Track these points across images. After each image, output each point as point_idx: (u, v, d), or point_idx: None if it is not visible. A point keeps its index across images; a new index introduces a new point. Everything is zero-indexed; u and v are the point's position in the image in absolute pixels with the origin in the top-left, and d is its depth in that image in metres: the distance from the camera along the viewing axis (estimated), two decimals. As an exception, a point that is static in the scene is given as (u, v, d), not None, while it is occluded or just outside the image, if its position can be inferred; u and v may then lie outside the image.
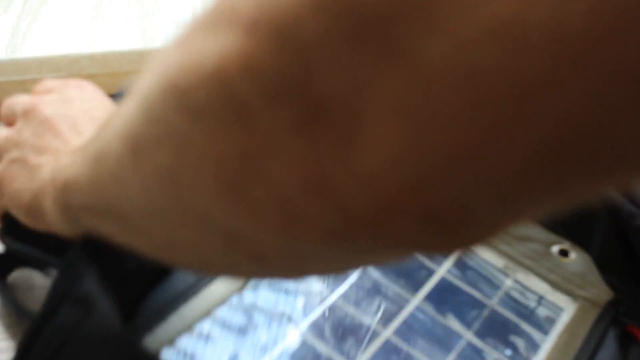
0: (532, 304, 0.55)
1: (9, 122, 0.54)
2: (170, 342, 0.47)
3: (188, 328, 0.48)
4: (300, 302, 0.51)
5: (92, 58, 0.67)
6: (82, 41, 0.71)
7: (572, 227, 0.61)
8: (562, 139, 0.21)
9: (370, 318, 0.51)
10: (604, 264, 0.58)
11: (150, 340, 0.46)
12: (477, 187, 0.23)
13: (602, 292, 0.56)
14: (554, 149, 0.21)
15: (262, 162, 0.27)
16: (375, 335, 0.50)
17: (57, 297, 0.43)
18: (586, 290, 0.56)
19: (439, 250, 0.26)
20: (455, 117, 0.21)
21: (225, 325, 0.48)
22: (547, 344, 0.52)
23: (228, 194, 0.29)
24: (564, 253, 0.59)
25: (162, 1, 0.80)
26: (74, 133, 0.49)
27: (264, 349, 0.47)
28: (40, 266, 0.54)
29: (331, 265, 0.33)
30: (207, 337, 0.47)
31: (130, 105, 0.34)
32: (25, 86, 0.64)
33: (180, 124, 0.30)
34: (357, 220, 0.26)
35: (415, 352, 0.49)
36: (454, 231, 0.25)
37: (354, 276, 0.54)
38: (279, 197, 0.27)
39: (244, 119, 0.26)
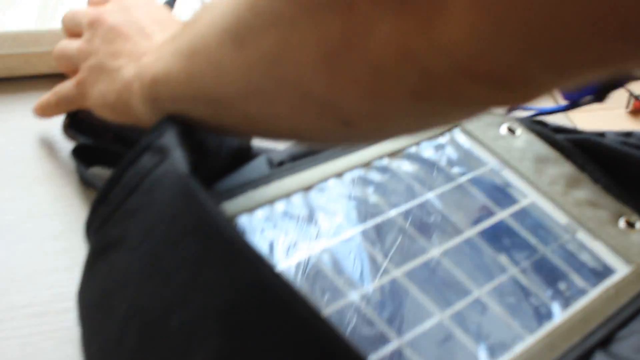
0: (585, 258, 0.56)
1: (74, 34, 0.61)
2: (231, 217, 0.51)
3: (251, 209, 0.52)
4: (358, 208, 0.55)
5: None
6: None
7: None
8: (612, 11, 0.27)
9: (423, 237, 0.54)
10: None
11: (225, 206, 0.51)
12: (537, 55, 0.30)
13: (659, 263, 0.57)
14: (603, 21, 0.27)
15: (360, 38, 0.34)
16: (424, 251, 0.53)
17: (139, 149, 0.48)
18: (643, 259, 0.57)
19: (503, 104, 0.36)
20: None
21: (287, 214, 0.53)
22: (591, 295, 0.53)
23: (327, 68, 0.37)
24: (630, 224, 0.60)
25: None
26: (142, 36, 0.56)
27: (319, 239, 0.51)
28: (112, 162, 0.61)
29: (411, 125, 0.40)
30: (268, 220, 0.52)
31: (227, 4, 0.42)
32: (50, 59, 0.66)
33: (288, 12, 0.37)
34: (436, 81, 0.34)
35: (457, 273, 0.52)
36: (515, 90, 0.33)
37: (416, 201, 0.57)
38: (373, 67, 0.34)
39: (346, 3, 0.34)
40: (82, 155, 0.63)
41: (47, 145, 0.65)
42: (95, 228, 0.49)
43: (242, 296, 0.40)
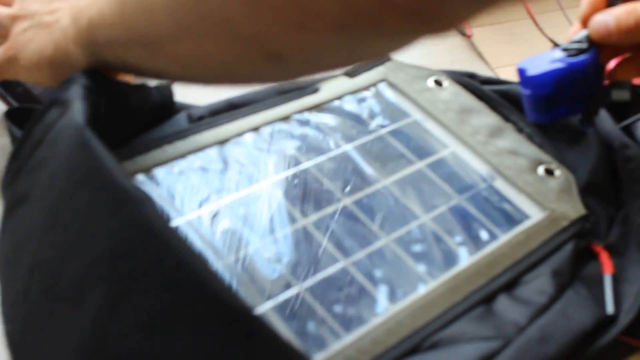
0: (500, 205, 0.58)
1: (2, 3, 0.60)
2: (146, 170, 0.52)
3: (165, 162, 0.53)
4: (273, 160, 0.56)
5: None
6: None
7: (564, 149, 0.63)
8: None
9: (336, 187, 0.55)
10: (587, 187, 0.60)
11: (128, 165, 0.52)
12: None
13: (573, 209, 0.58)
14: None
15: None
16: (335, 201, 0.54)
17: (47, 103, 0.49)
18: (558, 205, 0.58)
19: (423, 34, 0.38)
20: None
21: (202, 168, 0.54)
22: (500, 240, 0.55)
23: (251, 1, 0.39)
24: (549, 172, 0.61)
25: None
26: None
27: (232, 191, 0.53)
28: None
29: (339, 58, 0.42)
30: (181, 173, 0.53)
31: None
32: None
33: None
34: (356, 11, 0.36)
35: (367, 221, 0.53)
36: (432, 21, 0.36)
37: (333, 152, 0.58)
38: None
39: None
40: (14, 118, 0.64)
41: None
42: (7, 184, 0.50)
43: (126, 242, 0.41)
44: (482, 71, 0.78)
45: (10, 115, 0.63)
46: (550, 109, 0.57)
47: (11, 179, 0.49)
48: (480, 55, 0.80)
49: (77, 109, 0.47)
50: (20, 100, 0.66)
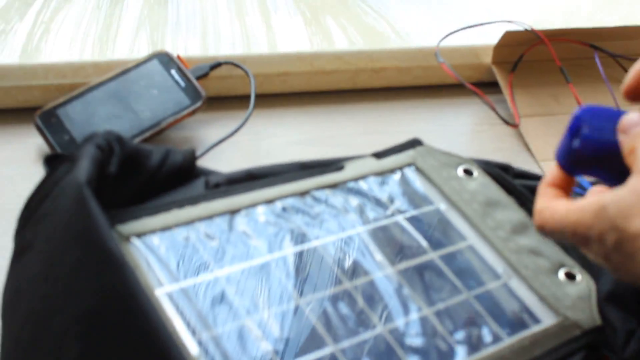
0: (511, 306, 0.56)
1: None
2: (151, 232, 0.53)
3: (172, 226, 0.54)
4: (280, 236, 0.56)
5: (96, 66, 0.74)
6: (89, 50, 0.81)
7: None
8: None
9: (340, 270, 0.54)
10: (609, 296, 0.58)
11: (133, 226, 0.53)
12: None
13: (589, 319, 0.55)
14: None
15: None
16: (336, 283, 0.53)
17: (63, 158, 0.51)
18: (573, 312, 0.56)
19: None
20: None
21: (207, 236, 0.54)
22: (503, 343, 0.53)
23: None
24: (569, 276, 0.59)
25: (171, 16, 0.89)
26: None
27: (232, 263, 0.53)
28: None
29: None
30: (187, 239, 0.53)
31: None
32: (32, 92, 0.73)
33: None
34: None
35: (365, 308, 0.52)
36: None
37: (343, 233, 0.57)
38: None
39: None
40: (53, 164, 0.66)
41: (3, 180, 0.68)
42: (17, 231, 0.52)
43: (102, 304, 0.42)
44: (526, 163, 0.76)
45: (49, 160, 0.65)
46: (584, 168, 0.51)
47: (21, 227, 0.51)
48: (526, 146, 0.79)
49: (82, 167, 0.48)
50: (64, 148, 0.69)
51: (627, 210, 0.43)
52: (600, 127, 0.49)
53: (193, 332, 0.47)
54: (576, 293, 0.57)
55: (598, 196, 0.46)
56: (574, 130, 0.50)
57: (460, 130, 0.81)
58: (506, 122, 0.80)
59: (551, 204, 0.49)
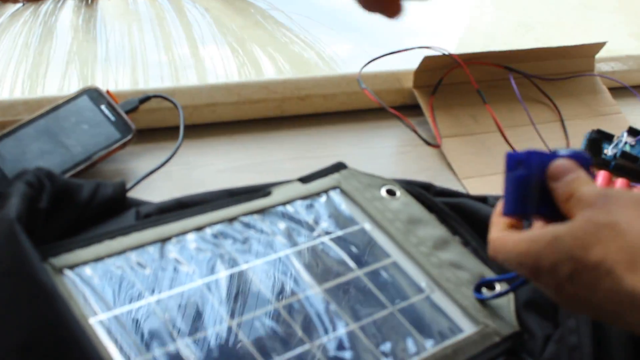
0: (434, 318, 0.58)
1: None
2: (83, 263, 0.55)
3: (104, 257, 0.55)
4: (211, 261, 0.58)
5: (26, 104, 0.76)
6: (19, 88, 0.83)
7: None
8: None
9: (268, 291, 0.57)
10: (528, 304, 0.61)
11: (66, 259, 0.54)
12: None
13: (507, 326, 0.59)
14: None
15: None
16: (266, 304, 0.56)
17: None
18: (493, 320, 0.59)
19: None
20: None
21: (139, 264, 0.56)
22: (427, 353, 0.55)
23: None
24: (489, 287, 0.62)
25: (100, 52, 0.91)
26: None
27: (164, 289, 0.54)
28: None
29: None
30: (119, 269, 0.55)
31: None
32: None
33: None
34: None
35: (294, 326, 0.54)
36: None
37: (271, 256, 0.60)
38: None
39: None
40: None
41: None
42: None
43: (35, 335, 0.44)
44: (449, 181, 0.80)
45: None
46: (532, 200, 0.50)
47: None
48: (448, 165, 0.82)
49: (12, 203, 0.50)
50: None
51: (584, 240, 0.43)
52: (539, 152, 0.50)
53: (126, 358, 0.49)
54: (496, 302, 0.60)
55: (550, 227, 0.46)
56: (513, 164, 0.50)
57: (385, 153, 0.84)
58: (428, 143, 0.84)
59: (502, 234, 0.50)
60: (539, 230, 0.46)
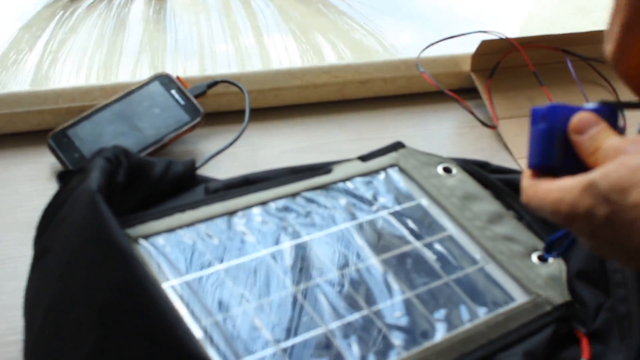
0: (488, 288, 0.61)
1: None
2: (157, 234, 0.59)
3: (175, 229, 0.60)
4: (275, 233, 0.61)
5: (102, 89, 0.80)
6: (94, 75, 0.89)
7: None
8: None
9: (329, 261, 0.60)
10: (580, 274, 0.63)
11: (141, 229, 0.59)
12: None
13: (559, 295, 0.61)
14: None
15: None
16: (327, 272, 0.59)
17: (77, 170, 0.57)
18: (544, 290, 0.61)
19: None
20: None
21: (208, 235, 0.60)
22: (479, 319, 0.58)
23: None
24: (542, 259, 0.64)
25: (169, 42, 0.94)
26: None
27: (232, 258, 0.58)
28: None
29: None
30: (190, 239, 0.59)
31: None
32: (44, 116, 0.79)
33: None
34: None
35: (353, 293, 0.58)
36: None
37: (332, 229, 0.63)
38: None
39: None
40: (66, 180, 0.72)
41: (18, 197, 0.74)
42: (37, 238, 0.57)
43: (116, 295, 0.48)
44: (505, 161, 0.82)
45: (62, 176, 0.71)
46: (557, 152, 0.50)
47: (39, 234, 0.57)
48: (505, 146, 0.84)
49: (93, 176, 0.54)
50: (75, 165, 0.74)
51: (620, 183, 0.43)
52: (562, 106, 0.50)
53: (197, 319, 0.53)
54: (548, 273, 0.63)
55: (581, 175, 0.46)
56: (537, 118, 0.51)
57: (443, 134, 0.87)
58: (485, 125, 0.86)
59: (533, 182, 0.50)
60: (571, 179, 0.47)
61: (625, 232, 0.44)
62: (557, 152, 0.50)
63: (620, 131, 0.50)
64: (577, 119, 0.49)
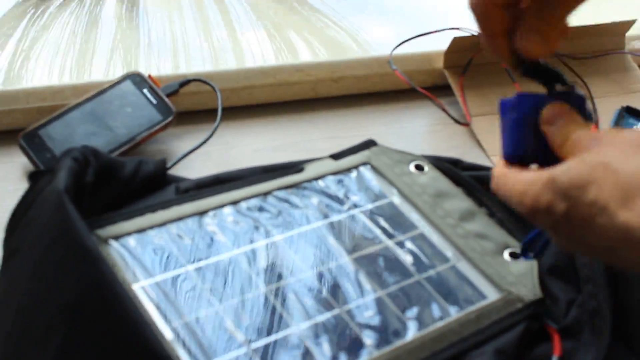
0: (459, 286, 0.61)
1: None
2: (127, 235, 0.58)
3: (146, 229, 0.59)
4: (246, 232, 0.61)
5: (74, 88, 0.80)
6: (67, 73, 0.88)
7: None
8: None
9: (300, 260, 0.60)
10: (551, 270, 0.63)
11: (110, 230, 0.58)
12: None
13: (530, 292, 0.61)
14: None
15: None
16: (298, 272, 0.59)
17: (45, 170, 0.57)
18: (516, 287, 0.61)
19: None
20: None
21: (178, 236, 0.60)
22: (451, 317, 0.58)
23: None
24: (513, 255, 0.64)
25: (142, 38, 0.94)
26: None
27: (202, 259, 0.58)
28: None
29: None
30: (160, 239, 0.59)
31: None
32: (14, 115, 0.78)
33: None
34: None
35: (326, 294, 0.58)
36: None
37: (303, 228, 0.63)
38: None
39: None
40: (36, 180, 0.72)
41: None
42: (6, 238, 0.57)
43: (82, 295, 0.48)
44: (478, 158, 0.82)
45: (33, 177, 0.70)
46: (526, 142, 0.51)
47: (8, 235, 0.57)
48: (478, 143, 0.85)
49: (60, 176, 0.54)
50: (46, 165, 0.74)
51: (579, 181, 0.44)
52: (530, 95, 0.51)
53: (168, 321, 0.53)
54: (519, 270, 0.63)
55: (546, 170, 0.47)
56: (506, 109, 0.51)
57: (416, 132, 0.87)
58: (458, 122, 0.86)
59: (504, 171, 0.51)
60: (536, 173, 0.48)
61: (583, 229, 0.44)
62: (530, 141, 0.51)
63: (589, 116, 0.50)
64: (547, 110, 0.50)
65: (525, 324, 0.59)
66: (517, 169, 0.50)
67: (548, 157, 0.49)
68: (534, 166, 0.52)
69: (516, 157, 0.52)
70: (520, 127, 0.51)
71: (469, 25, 0.91)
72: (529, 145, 0.51)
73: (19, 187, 0.71)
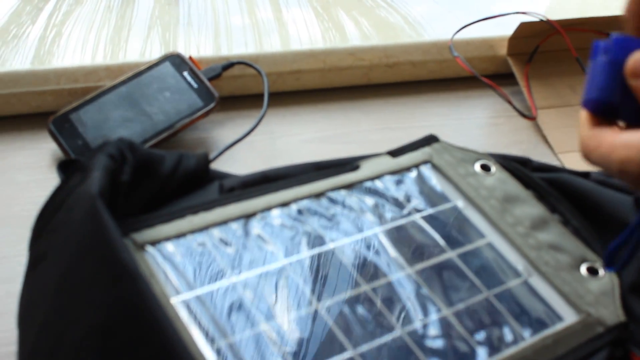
0: (532, 305, 0.55)
1: None
2: (165, 240, 0.53)
3: (186, 233, 0.53)
4: (296, 239, 0.55)
5: (108, 69, 0.73)
6: (101, 52, 0.82)
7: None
8: None
9: (357, 272, 0.54)
10: (634, 288, 0.57)
11: (147, 234, 0.52)
12: None
13: (612, 314, 0.55)
14: None
15: None
16: (354, 286, 0.53)
17: (74, 168, 0.51)
18: (596, 308, 0.55)
19: None
20: None
21: (222, 241, 0.54)
22: (525, 343, 0.52)
23: None
24: (592, 271, 0.58)
25: (182, 16, 0.88)
26: None
27: (248, 268, 0.52)
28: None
29: None
30: (201, 246, 0.53)
31: None
32: (44, 97, 0.72)
33: None
34: None
35: (383, 310, 0.52)
36: None
37: (359, 235, 0.57)
38: None
39: None
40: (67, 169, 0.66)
41: (14, 188, 0.68)
42: (32, 241, 0.51)
43: (117, 317, 0.42)
44: (545, 155, 0.75)
45: (63, 166, 0.65)
46: (617, 90, 0.45)
47: (35, 237, 0.51)
48: (544, 138, 0.78)
49: (94, 178, 0.48)
50: (77, 153, 0.68)
51: None
52: (627, 39, 0.45)
53: (210, 340, 0.47)
54: (599, 288, 0.56)
55: None
56: (598, 51, 0.46)
57: (476, 124, 0.80)
58: (523, 115, 0.79)
59: (596, 132, 0.45)
60: (638, 134, 0.41)
61: None
62: (618, 90, 0.45)
63: None
64: (633, 59, 0.43)
65: (607, 351, 0.53)
66: (608, 130, 0.44)
67: (638, 112, 0.44)
68: (620, 123, 0.46)
69: (600, 104, 0.46)
70: (610, 72, 0.45)
71: (530, 9, 0.84)
72: (617, 95, 0.45)
73: (47, 177, 0.67)
